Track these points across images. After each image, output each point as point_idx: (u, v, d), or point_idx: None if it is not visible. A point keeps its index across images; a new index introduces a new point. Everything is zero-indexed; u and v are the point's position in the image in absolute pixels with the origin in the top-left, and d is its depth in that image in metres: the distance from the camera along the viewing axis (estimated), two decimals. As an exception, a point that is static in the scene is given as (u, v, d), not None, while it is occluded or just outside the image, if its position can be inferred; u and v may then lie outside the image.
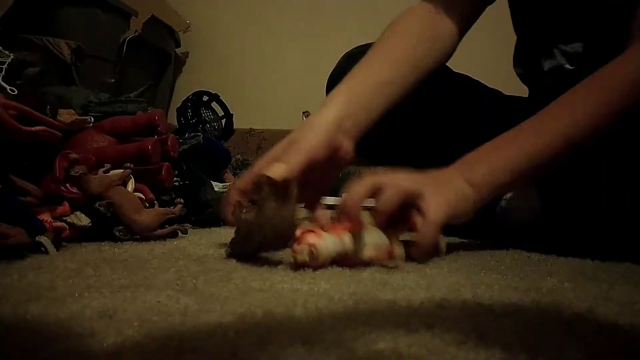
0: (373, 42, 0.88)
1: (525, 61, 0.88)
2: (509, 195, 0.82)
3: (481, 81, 0.94)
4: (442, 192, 0.58)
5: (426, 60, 0.77)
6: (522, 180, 0.65)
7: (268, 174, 0.54)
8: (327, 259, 0.52)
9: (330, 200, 0.75)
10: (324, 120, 0.65)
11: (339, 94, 0.69)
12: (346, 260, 0.54)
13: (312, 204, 0.66)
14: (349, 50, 0.94)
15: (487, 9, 0.83)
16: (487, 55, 1.74)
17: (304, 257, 0.51)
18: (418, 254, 0.56)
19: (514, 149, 0.62)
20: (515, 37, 0.89)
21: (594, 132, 0.61)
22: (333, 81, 0.93)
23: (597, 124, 0.61)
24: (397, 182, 0.57)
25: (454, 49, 0.81)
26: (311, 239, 0.51)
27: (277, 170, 0.54)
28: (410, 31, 0.77)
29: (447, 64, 0.91)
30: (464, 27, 0.81)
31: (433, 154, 0.65)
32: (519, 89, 0.93)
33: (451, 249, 0.71)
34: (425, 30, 0.78)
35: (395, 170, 0.60)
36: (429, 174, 0.60)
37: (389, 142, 0.90)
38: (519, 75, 0.90)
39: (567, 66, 0.78)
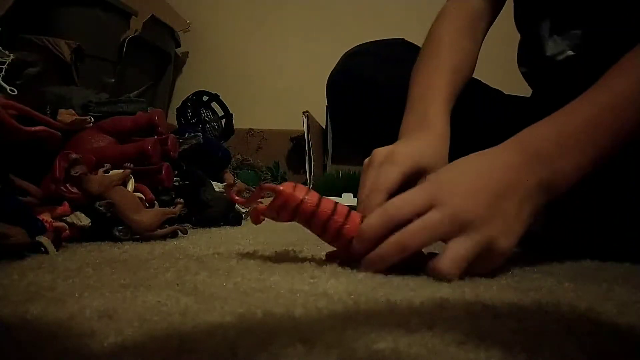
0: (374, 41, 0.87)
1: (527, 47, 0.87)
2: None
3: (482, 81, 0.94)
4: (509, 233, 0.48)
5: (471, 66, 0.80)
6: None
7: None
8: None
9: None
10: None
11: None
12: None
13: None
14: (349, 49, 0.94)
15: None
16: (490, 54, 1.74)
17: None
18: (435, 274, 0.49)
19: (598, 131, 0.54)
20: (517, 36, 0.89)
21: None
22: (334, 80, 0.93)
23: None
24: (432, 222, 0.48)
25: None
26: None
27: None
28: (456, 42, 0.78)
29: None
30: (492, 21, 0.83)
31: None
32: (520, 89, 0.93)
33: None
34: (468, 38, 0.79)
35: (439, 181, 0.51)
36: (488, 189, 0.49)
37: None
38: (523, 74, 0.90)
39: (570, 52, 0.78)
